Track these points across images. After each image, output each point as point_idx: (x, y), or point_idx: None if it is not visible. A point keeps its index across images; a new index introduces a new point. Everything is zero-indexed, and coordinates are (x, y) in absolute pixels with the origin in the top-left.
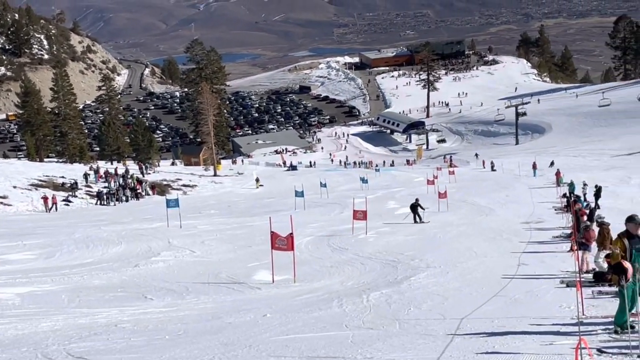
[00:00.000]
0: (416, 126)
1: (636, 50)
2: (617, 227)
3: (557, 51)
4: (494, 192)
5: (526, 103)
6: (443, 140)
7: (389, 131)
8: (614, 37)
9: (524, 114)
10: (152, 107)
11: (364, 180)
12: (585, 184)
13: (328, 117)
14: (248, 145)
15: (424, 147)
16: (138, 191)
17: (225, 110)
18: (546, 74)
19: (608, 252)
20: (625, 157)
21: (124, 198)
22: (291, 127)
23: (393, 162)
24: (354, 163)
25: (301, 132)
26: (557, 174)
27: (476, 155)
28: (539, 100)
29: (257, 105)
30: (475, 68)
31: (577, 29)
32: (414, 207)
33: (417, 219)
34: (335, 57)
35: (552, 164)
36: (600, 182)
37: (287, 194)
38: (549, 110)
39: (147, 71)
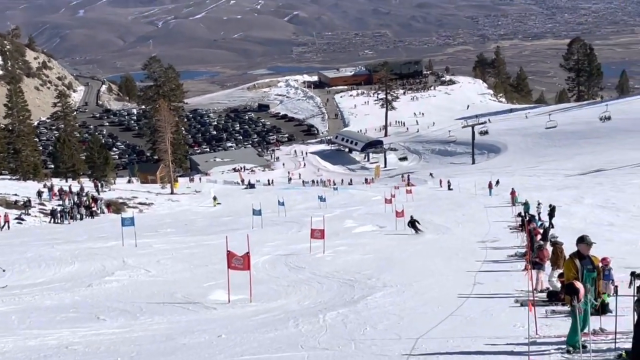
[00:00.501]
0: (374, 145)
1: (589, 72)
2: (570, 247)
3: (513, 72)
4: (450, 211)
5: (482, 123)
6: (405, 159)
7: (347, 150)
8: (568, 59)
9: (486, 132)
10: (109, 124)
11: (322, 199)
12: (539, 204)
13: (287, 135)
14: (206, 163)
15: (382, 165)
16: (93, 209)
17: (183, 128)
18: (502, 94)
19: (561, 271)
20: (578, 177)
21: (78, 216)
22: (249, 145)
23: (351, 180)
24: (312, 181)
25: (259, 150)
26: (512, 193)
27: (431, 174)
28: (489, 119)
29: (215, 123)
30: (432, 88)
31: (532, 50)
32: (412, 223)
33: (417, 231)
34: (294, 76)
35: (497, 182)
36: (554, 202)
37: (245, 213)
38: (505, 130)
39: (104, 88)
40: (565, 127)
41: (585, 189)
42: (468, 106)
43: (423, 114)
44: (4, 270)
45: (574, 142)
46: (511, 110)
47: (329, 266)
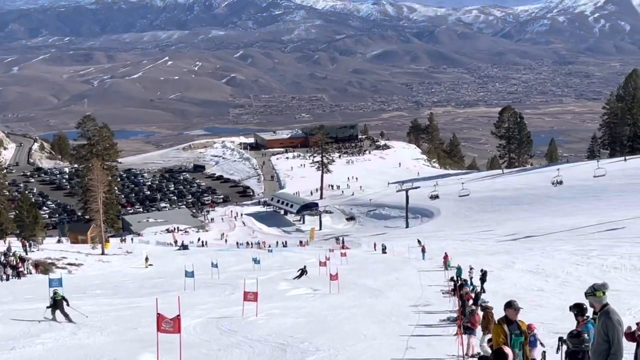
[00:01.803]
0: (310, 207)
1: (519, 140)
2: (501, 311)
3: (446, 138)
4: (384, 275)
5: (416, 188)
6: (352, 218)
7: (282, 212)
8: (499, 126)
9: (436, 197)
10: (40, 183)
11: (256, 261)
12: (471, 268)
13: (222, 196)
14: (139, 224)
15: (317, 228)
16: (20, 270)
17: (116, 188)
18: (435, 159)
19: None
20: (510, 242)
21: (4, 276)
22: (184, 206)
23: (286, 242)
24: (247, 243)
25: (194, 211)
26: (445, 257)
27: (419, 241)
28: (412, 184)
29: (149, 183)
30: (367, 152)
31: (465, 117)
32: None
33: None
34: (231, 137)
35: (419, 242)
36: (486, 266)
37: (177, 274)
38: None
39: (35, 146)
40: (498, 194)
41: (516, 254)
42: (400, 164)
43: (357, 178)
44: None
45: (506, 207)
46: (436, 183)
47: (262, 329)
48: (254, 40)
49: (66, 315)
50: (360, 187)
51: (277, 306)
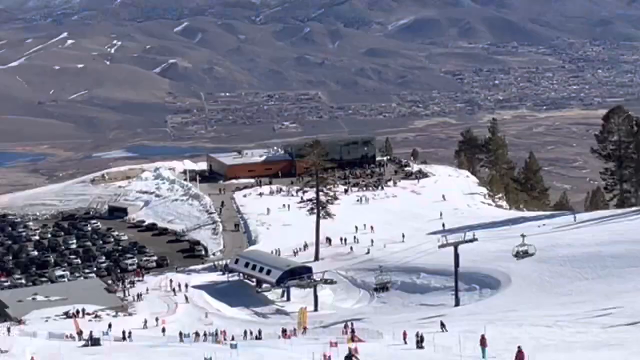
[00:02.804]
0: (298, 274)
1: (638, 162)
2: None
3: (519, 159)
4: None
5: (471, 240)
6: (385, 288)
7: (254, 282)
8: (604, 140)
9: (527, 253)
10: None
11: None
12: None
13: (155, 258)
14: (19, 304)
15: (310, 308)
16: None
17: None
18: (501, 194)
19: None
20: (626, 328)
21: None
22: (93, 275)
23: (260, 332)
24: (196, 334)
25: (110, 282)
26: (520, 354)
27: (442, 324)
28: (464, 234)
29: (36, 237)
30: (392, 184)
31: (549, 126)
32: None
33: None
34: (169, 162)
35: (442, 325)
36: None
37: None
38: (507, 252)
39: None
40: (604, 250)
41: (634, 349)
42: (441, 214)
43: (373, 227)
44: None
45: (615, 271)
46: (541, 224)
47: None
48: (206, 4)
49: None
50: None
51: None
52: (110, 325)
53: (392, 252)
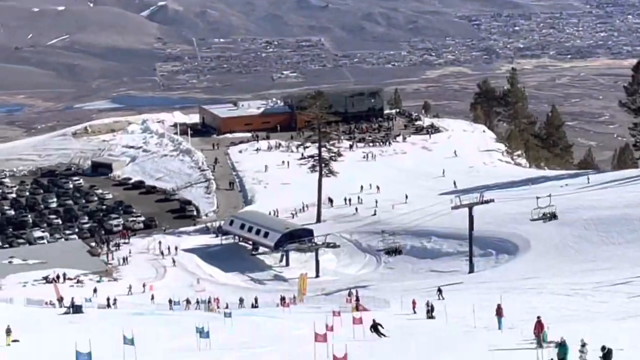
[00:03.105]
0: (298, 237)
1: None
2: None
3: (540, 113)
4: (430, 357)
5: (487, 201)
6: (395, 251)
7: (250, 246)
8: (633, 92)
9: (553, 216)
10: None
11: (202, 333)
12: (584, 344)
13: (142, 218)
14: None
15: (311, 274)
16: None
17: None
18: (521, 151)
19: None
20: None
21: None
22: (75, 237)
23: (257, 300)
24: (187, 302)
25: (93, 245)
26: (539, 325)
27: (439, 290)
28: (480, 194)
29: (13, 195)
30: (401, 139)
31: (573, 76)
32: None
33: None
34: (158, 114)
35: (439, 291)
36: (611, 342)
37: (63, 358)
38: (526, 214)
39: None
40: (630, 212)
41: None
42: (455, 183)
43: (378, 187)
44: None
45: None
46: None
47: None
48: None
49: None
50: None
51: None
52: (95, 291)
53: (400, 213)
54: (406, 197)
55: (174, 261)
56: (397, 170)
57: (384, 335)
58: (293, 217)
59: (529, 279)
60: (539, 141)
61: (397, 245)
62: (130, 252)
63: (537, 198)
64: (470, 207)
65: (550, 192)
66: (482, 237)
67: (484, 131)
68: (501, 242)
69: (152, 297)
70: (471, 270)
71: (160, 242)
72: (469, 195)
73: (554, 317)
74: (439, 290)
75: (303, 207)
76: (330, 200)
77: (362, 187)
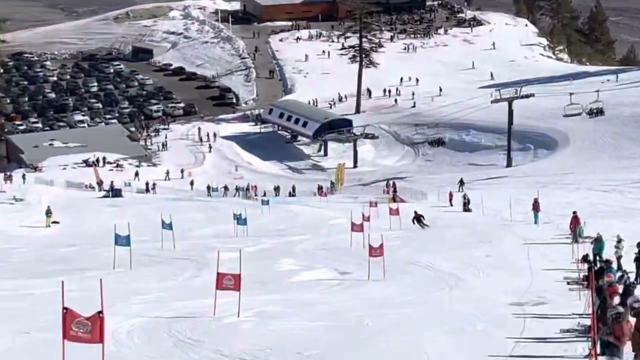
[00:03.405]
0: (337, 127)
1: None
2: None
3: (583, 8)
4: (465, 249)
5: (527, 96)
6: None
7: (289, 135)
8: None
9: (600, 112)
10: None
11: (240, 220)
12: (620, 241)
13: (182, 105)
14: (35, 150)
15: (349, 164)
16: None
17: None
18: (563, 46)
19: None
20: None
21: None
22: (115, 121)
23: (294, 188)
24: (225, 188)
25: (133, 130)
26: (575, 221)
27: (462, 182)
28: (519, 88)
29: (54, 78)
30: (443, 31)
31: None
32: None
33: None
34: (199, 0)
35: (461, 183)
36: None
37: (102, 240)
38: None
39: None
40: None
41: None
42: (493, 45)
43: (417, 79)
44: None
45: None
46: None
47: (248, 340)
48: None
49: None
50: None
51: (274, 300)
52: (137, 174)
53: (439, 106)
54: (440, 89)
55: (210, 147)
56: (438, 63)
57: (427, 226)
58: (331, 108)
59: (567, 174)
60: (581, 36)
61: (441, 136)
62: (166, 138)
63: (570, 94)
64: (510, 101)
65: (598, 88)
66: (521, 131)
67: (526, 25)
68: (540, 137)
69: (192, 183)
70: (509, 164)
71: (199, 129)
72: (509, 89)
73: (591, 213)
74: (461, 182)
75: (340, 98)
76: (369, 92)
77: (401, 79)
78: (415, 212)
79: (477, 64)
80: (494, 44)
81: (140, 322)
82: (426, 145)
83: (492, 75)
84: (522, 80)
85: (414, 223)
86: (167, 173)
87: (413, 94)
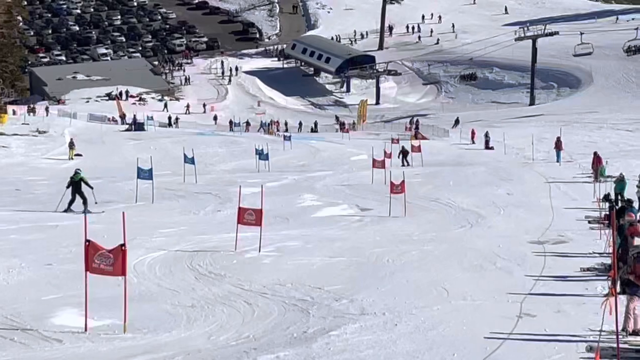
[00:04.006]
0: (360, 64)
1: None
2: None
3: None
4: (486, 187)
5: (551, 34)
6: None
7: (311, 70)
8: None
9: (632, 49)
10: None
11: (262, 155)
12: None
13: (205, 39)
14: (59, 82)
15: (372, 101)
16: None
17: (19, 17)
18: None
19: None
20: None
21: None
22: (138, 55)
23: (316, 124)
24: (247, 123)
25: (156, 64)
26: (597, 160)
27: (457, 121)
28: (544, 26)
29: (78, 11)
30: None
31: None
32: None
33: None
34: None
35: (456, 122)
36: None
37: (124, 173)
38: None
39: None
40: None
41: None
42: (506, 8)
43: (440, 17)
44: None
45: None
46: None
47: (268, 275)
48: None
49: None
50: (454, 32)
51: (295, 235)
52: (166, 106)
53: (463, 43)
54: (452, 26)
55: (229, 81)
56: (463, 1)
57: (409, 164)
58: (352, 44)
59: (590, 112)
60: None
61: (473, 71)
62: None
63: (581, 34)
64: (534, 38)
65: (610, 29)
66: (545, 70)
67: None
68: (563, 75)
69: (216, 118)
70: (532, 103)
71: (222, 62)
72: (533, 27)
73: (613, 152)
74: (456, 121)
75: (362, 35)
76: (390, 28)
77: (423, 16)
78: (403, 147)
79: (502, 1)
80: (505, 8)
81: (162, 256)
82: (457, 80)
83: (506, 9)
84: (546, 18)
85: (398, 157)
86: (188, 107)
87: (432, 32)
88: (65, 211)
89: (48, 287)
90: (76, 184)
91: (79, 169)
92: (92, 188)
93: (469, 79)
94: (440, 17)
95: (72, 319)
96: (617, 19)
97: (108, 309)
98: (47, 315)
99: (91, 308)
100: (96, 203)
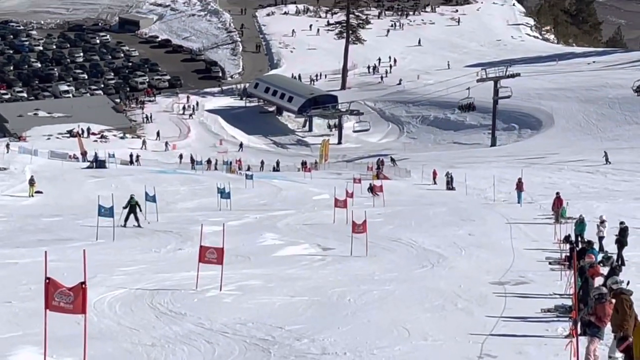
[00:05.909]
0: (322, 103)
1: None
2: None
3: None
4: (448, 227)
5: (512, 75)
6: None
7: (274, 110)
8: None
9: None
10: None
11: (224, 194)
12: (602, 222)
13: (168, 77)
14: (19, 119)
15: (334, 141)
16: None
17: None
18: (549, 27)
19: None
20: None
21: None
22: (100, 92)
23: (278, 163)
24: (208, 162)
25: (118, 101)
26: (558, 201)
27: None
28: (506, 68)
29: (40, 47)
30: (429, 9)
31: None
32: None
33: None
34: None
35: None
36: (629, 219)
37: (85, 211)
38: (551, 90)
39: None
40: None
41: None
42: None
43: (394, 60)
44: None
45: None
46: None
47: (229, 314)
48: None
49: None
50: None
51: (257, 274)
52: (144, 143)
53: (425, 84)
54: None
55: (191, 115)
56: (424, 41)
57: (378, 195)
58: (312, 83)
59: (551, 154)
60: (568, 17)
61: (472, 100)
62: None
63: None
64: (496, 80)
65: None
66: (506, 111)
67: (513, 4)
68: (525, 117)
69: (181, 157)
70: (493, 144)
71: (188, 97)
72: (495, 69)
73: (573, 194)
74: (392, 160)
75: (330, 74)
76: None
77: (390, 57)
78: (370, 184)
79: (464, 42)
80: (479, 16)
81: (123, 294)
82: (456, 110)
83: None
84: (507, 60)
85: (368, 192)
86: (144, 142)
87: (387, 71)
88: (123, 225)
89: (7, 325)
90: (132, 206)
91: (133, 194)
92: (140, 210)
93: (467, 109)
94: (395, 60)
95: (31, 357)
96: (594, 62)
97: (68, 347)
98: (6, 354)
99: (50, 346)
100: (149, 223)
